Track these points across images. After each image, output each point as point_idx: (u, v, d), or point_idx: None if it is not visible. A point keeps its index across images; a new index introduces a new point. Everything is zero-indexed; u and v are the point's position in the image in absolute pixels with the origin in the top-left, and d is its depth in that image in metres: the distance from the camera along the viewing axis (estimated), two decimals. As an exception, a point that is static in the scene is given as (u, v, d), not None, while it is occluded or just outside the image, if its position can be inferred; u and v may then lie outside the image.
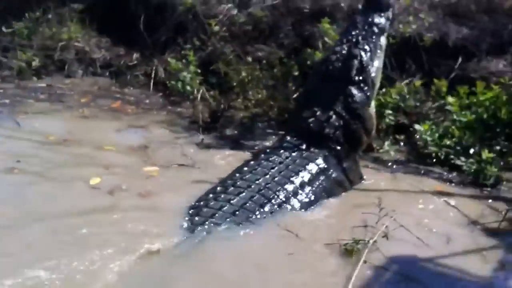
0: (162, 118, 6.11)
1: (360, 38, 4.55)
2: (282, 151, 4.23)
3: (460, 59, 6.44)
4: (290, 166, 4.06)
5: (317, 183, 4.08)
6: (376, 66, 4.59)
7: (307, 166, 4.10)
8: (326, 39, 6.26)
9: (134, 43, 7.78)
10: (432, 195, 4.46)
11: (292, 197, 3.88)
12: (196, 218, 3.63)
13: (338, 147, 4.35)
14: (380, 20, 4.69)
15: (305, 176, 4.04)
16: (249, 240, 3.50)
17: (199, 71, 6.51)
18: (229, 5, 7.21)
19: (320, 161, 4.20)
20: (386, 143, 5.31)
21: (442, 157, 5.03)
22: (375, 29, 4.62)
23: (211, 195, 3.86)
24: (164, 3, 7.74)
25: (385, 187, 4.56)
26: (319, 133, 4.34)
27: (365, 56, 4.49)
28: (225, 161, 4.96)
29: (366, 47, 4.53)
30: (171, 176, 4.52)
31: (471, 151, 4.99)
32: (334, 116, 4.36)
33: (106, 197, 4.03)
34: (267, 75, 6.31)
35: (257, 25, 7.29)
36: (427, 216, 4.07)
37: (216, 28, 6.87)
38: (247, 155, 5.05)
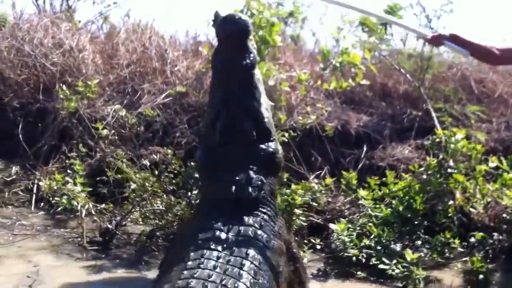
0: (44, 243, 5.24)
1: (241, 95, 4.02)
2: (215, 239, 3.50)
3: (365, 148, 6.31)
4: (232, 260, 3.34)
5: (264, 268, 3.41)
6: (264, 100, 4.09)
7: (249, 252, 3.42)
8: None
9: (14, 155, 6.94)
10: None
11: None
12: None
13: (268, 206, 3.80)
14: (248, 61, 4.07)
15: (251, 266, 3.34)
16: None
17: (86, 181, 5.79)
18: (117, 106, 6.64)
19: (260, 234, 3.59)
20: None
21: (364, 260, 4.63)
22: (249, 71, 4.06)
23: None
24: (44, 109, 7.04)
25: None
26: (244, 198, 3.75)
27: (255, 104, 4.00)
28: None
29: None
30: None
31: (393, 248, 4.66)
32: (253, 175, 3.82)
33: None
34: (166, 180, 5.71)
35: (149, 125, 6.79)
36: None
37: (104, 131, 6.22)
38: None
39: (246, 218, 3.66)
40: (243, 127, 3.93)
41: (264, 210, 3.77)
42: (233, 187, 3.76)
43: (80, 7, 9.87)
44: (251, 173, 3.83)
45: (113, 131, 6.23)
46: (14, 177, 6.64)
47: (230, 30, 4.02)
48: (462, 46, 4.06)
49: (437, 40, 4.22)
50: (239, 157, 3.88)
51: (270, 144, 3.97)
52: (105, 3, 9.58)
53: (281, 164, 4.08)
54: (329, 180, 5.43)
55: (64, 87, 6.46)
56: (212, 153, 4.02)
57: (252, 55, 4.06)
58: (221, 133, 3.94)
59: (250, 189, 3.77)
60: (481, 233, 4.91)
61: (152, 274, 4.53)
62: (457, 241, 4.77)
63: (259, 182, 3.81)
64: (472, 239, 4.98)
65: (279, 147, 4.07)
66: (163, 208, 5.44)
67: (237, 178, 3.80)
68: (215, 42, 8.22)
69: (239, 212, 3.70)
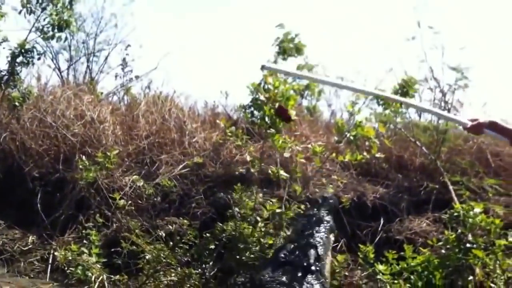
0: (58, 314, 5.21)
1: (315, 231, 4.56)
2: None
3: (382, 220, 6.25)
4: None
5: None
6: (329, 260, 4.48)
7: None
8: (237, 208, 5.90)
9: (31, 224, 7.00)
10: None
11: None
12: None
13: None
14: (329, 218, 4.80)
15: None
16: None
17: (101, 252, 5.78)
18: (135, 176, 6.72)
19: None
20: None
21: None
22: (326, 226, 4.67)
23: None
24: (63, 178, 7.16)
25: None
26: None
27: (320, 248, 4.40)
28: None
29: (321, 240, 4.49)
30: None
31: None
32: None
33: None
34: (181, 251, 5.68)
35: (166, 195, 6.84)
36: None
37: (121, 202, 6.28)
38: None
39: None
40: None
41: None
42: None
43: (102, 78, 10.24)
44: None
45: (130, 202, 6.31)
46: (30, 246, 6.67)
47: None
48: (501, 133, 3.99)
49: (477, 129, 4.13)
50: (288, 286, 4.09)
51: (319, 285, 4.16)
52: (127, 76, 9.89)
53: None
54: (341, 257, 5.38)
55: (83, 157, 6.61)
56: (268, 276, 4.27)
57: None
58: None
59: None
60: (502, 311, 4.75)
61: None
62: (478, 317, 4.62)
63: None
64: (493, 316, 4.81)
65: None
66: (177, 279, 5.40)
67: None
68: (233, 113, 8.47)
69: None
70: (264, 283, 4.11)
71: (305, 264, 4.21)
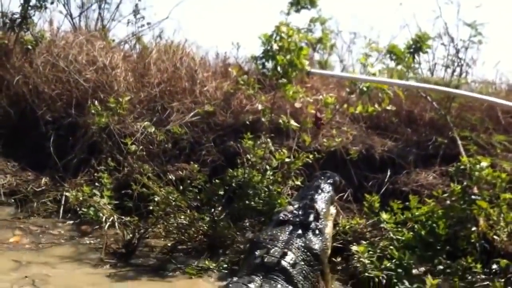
0: (69, 251, 5.36)
1: (315, 197, 4.54)
2: None
3: (389, 172, 6.31)
4: None
5: None
6: (330, 227, 4.43)
7: None
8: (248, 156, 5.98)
9: (44, 167, 7.15)
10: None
11: None
12: None
13: (294, 285, 3.83)
14: (330, 189, 4.73)
15: None
16: None
17: (113, 195, 5.91)
18: (146, 122, 6.79)
19: None
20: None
21: (384, 281, 4.61)
22: (327, 195, 4.63)
23: None
24: (75, 123, 7.27)
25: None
26: (273, 268, 3.80)
27: (320, 210, 4.38)
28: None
29: (321, 205, 4.47)
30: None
31: (414, 272, 4.65)
32: (290, 253, 3.92)
33: None
34: (191, 194, 5.80)
35: (176, 142, 6.93)
36: None
37: (133, 147, 6.36)
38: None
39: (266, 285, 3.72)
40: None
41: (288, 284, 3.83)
42: (267, 257, 3.88)
43: (114, 26, 10.19)
44: (288, 251, 3.96)
45: (141, 147, 6.37)
46: (43, 187, 6.82)
47: None
48: None
49: None
50: (288, 239, 4.07)
51: (318, 241, 4.13)
52: (139, 23, 9.84)
53: (320, 260, 4.13)
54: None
55: (96, 102, 6.65)
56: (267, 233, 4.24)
57: None
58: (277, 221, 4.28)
59: (281, 262, 3.85)
60: (505, 260, 4.82)
61: (178, 280, 4.68)
62: (479, 265, 4.72)
63: (292, 261, 3.89)
64: (494, 266, 4.90)
65: (321, 245, 4.19)
66: (186, 223, 5.53)
67: (273, 250, 3.94)
68: (244, 64, 8.45)
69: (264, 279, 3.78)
70: (263, 241, 4.10)
71: (304, 222, 4.21)
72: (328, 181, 4.78)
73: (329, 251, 4.33)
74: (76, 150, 7.09)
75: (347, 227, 5.44)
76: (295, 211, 4.31)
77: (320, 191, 4.63)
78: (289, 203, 4.58)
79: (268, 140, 6.05)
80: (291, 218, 4.23)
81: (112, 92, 7.40)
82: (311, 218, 4.23)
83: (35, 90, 7.70)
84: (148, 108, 7.50)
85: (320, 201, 4.52)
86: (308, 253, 4.00)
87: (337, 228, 5.35)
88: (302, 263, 3.95)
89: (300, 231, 4.13)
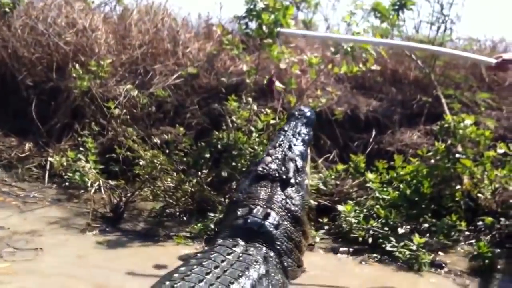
0: (56, 215, 5.35)
1: (292, 144, 4.42)
2: (215, 254, 3.51)
3: (374, 132, 6.34)
4: (227, 271, 3.41)
5: None
6: (308, 174, 4.40)
7: (246, 272, 3.48)
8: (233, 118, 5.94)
9: (27, 132, 7.06)
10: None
11: None
12: None
13: (278, 246, 3.84)
14: (306, 131, 4.61)
15: (246, 283, 3.42)
16: None
17: (98, 159, 5.87)
18: (128, 86, 6.69)
19: (260, 264, 3.57)
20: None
21: (371, 240, 4.69)
22: (304, 138, 4.53)
23: None
24: (57, 87, 7.14)
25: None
26: (256, 231, 3.81)
27: (299, 161, 4.30)
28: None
29: (299, 152, 4.38)
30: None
31: (400, 230, 4.73)
32: (273, 213, 3.90)
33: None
34: (177, 157, 5.78)
35: (160, 106, 6.86)
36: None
37: (116, 111, 6.26)
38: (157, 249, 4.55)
39: (251, 249, 3.69)
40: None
41: (272, 246, 3.83)
42: (250, 218, 3.86)
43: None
44: (271, 211, 3.93)
45: (124, 111, 6.28)
46: (27, 153, 6.76)
47: None
48: None
49: (503, 67, 4.05)
50: (268, 197, 4.04)
51: (299, 198, 4.12)
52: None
53: (301, 218, 4.12)
54: (340, 167, 5.51)
55: (77, 66, 6.50)
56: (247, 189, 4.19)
57: None
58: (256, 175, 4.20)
59: (265, 224, 3.86)
60: (490, 218, 4.91)
61: (170, 244, 4.71)
62: (463, 223, 4.81)
63: (276, 222, 3.89)
64: (479, 223, 4.99)
65: (302, 202, 4.18)
66: (173, 185, 5.53)
67: (255, 211, 3.92)
68: (227, 25, 8.31)
69: (248, 241, 3.78)
70: (243, 200, 4.06)
71: (284, 177, 4.15)
72: (305, 120, 4.66)
73: (309, 204, 4.34)
74: (58, 115, 7.00)
75: (331, 178, 5.51)
76: (273, 163, 4.24)
77: (297, 135, 4.53)
78: (266, 153, 4.44)
79: (249, 99, 6.00)
80: (271, 172, 4.17)
81: (93, 55, 7.26)
82: (291, 173, 4.18)
83: (14, 54, 7.51)
84: (130, 71, 7.38)
85: (298, 149, 4.42)
86: (289, 213, 4.00)
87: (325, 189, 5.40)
88: (286, 223, 3.97)
89: (280, 188, 4.10)
